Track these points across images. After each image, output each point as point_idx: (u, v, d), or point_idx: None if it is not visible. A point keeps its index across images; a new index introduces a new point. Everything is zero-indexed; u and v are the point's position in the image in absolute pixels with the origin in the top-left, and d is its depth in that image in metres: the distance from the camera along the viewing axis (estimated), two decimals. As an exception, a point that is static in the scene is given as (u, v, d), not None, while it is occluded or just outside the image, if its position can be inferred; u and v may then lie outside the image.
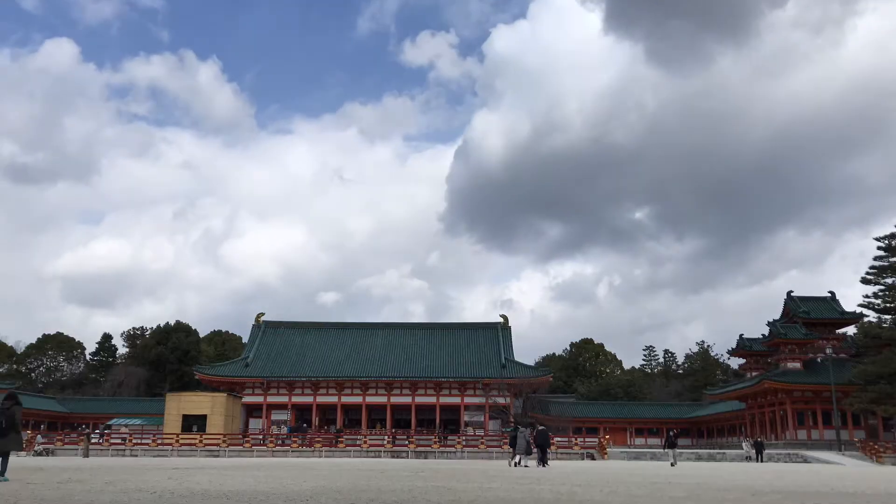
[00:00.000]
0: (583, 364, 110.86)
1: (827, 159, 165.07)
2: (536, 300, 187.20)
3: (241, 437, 60.00)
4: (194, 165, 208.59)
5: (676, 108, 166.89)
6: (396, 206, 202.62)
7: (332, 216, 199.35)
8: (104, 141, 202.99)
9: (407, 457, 51.14)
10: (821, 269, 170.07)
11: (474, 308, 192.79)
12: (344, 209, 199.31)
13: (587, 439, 59.41)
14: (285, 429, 64.28)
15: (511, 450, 34.28)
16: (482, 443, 56.79)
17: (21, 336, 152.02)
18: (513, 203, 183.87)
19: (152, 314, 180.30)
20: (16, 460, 39.44)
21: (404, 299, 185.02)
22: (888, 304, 57.70)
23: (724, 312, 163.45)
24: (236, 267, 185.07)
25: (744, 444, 52.10)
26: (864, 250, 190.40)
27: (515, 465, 30.74)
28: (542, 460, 31.89)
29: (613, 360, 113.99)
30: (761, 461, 46.95)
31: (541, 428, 35.59)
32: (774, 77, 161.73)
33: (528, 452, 32.97)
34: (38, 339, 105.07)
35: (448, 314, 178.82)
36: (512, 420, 68.84)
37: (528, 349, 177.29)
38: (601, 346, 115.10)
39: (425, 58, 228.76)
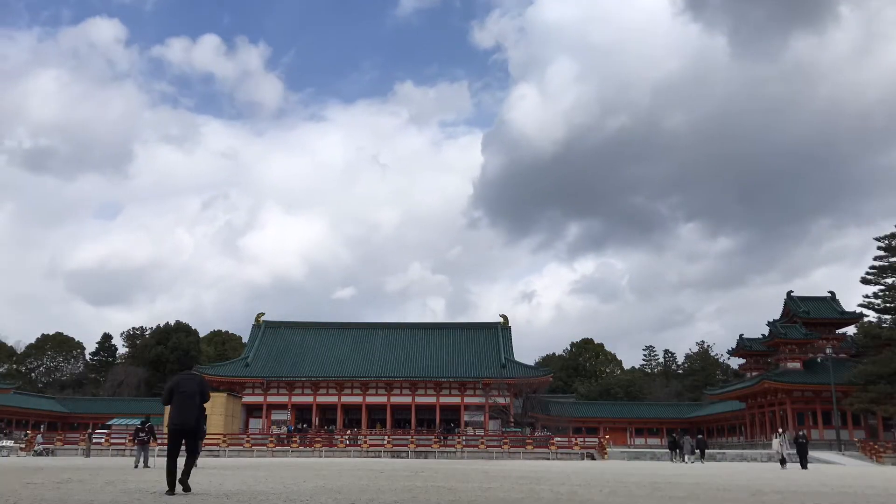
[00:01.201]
0: (583, 364, 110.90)
1: (876, 149, 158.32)
2: (559, 295, 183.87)
3: (241, 436, 59.97)
4: (225, 154, 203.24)
5: (741, 92, 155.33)
6: (424, 196, 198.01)
7: (357, 208, 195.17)
8: (136, 127, 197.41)
9: (407, 457, 51.12)
10: (864, 262, 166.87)
11: (493, 305, 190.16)
12: (371, 200, 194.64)
13: (587, 439, 59.40)
14: (285, 428, 64.25)
15: (671, 452, 46.56)
16: (482, 443, 56.78)
17: (32, 333, 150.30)
18: (539, 193, 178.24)
19: (166, 311, 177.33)
20: (16, 460, 39.45)
21: (424, 293, 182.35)
22: (888, 304, 57.71)
23: (757, 309, 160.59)
24: (255, 262, 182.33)
25: (774, 441, 38.39)
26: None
27: (682, 462, 39.96)
28: (702, 458, 44.16)
29: (613, 360, 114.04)
30: (805, 467, 33.94)
31: (699, 436, 50.23)
32: (857, 56, 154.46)
33: (692, 452, 43.12)
34: (38, 338, 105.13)
35: (468, 310, 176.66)
36: (512, 420, 68.83)
37: (549, 344, 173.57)
38: (601, 346, 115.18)
39: (479, 37, 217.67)
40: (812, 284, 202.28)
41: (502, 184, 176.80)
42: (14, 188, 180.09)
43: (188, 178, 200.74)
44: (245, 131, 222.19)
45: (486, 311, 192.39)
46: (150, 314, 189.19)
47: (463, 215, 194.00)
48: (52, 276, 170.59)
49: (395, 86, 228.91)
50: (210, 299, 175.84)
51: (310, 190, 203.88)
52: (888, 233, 58.39)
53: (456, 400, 72.35)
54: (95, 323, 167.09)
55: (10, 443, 57.74)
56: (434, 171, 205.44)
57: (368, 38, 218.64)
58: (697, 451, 45.33)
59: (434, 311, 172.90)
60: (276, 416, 71.54)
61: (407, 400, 72.33)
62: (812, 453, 49.61)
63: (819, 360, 62.66)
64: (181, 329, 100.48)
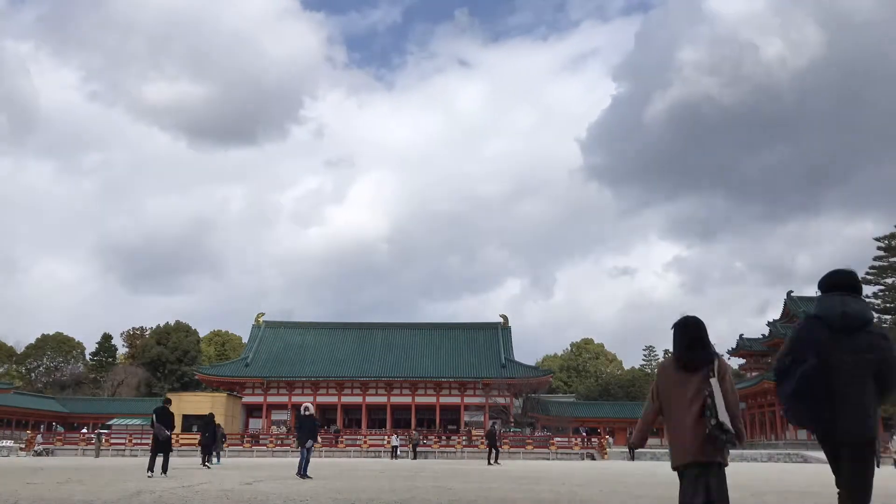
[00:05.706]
0: (583, 364, 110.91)
1: None
2: (655, 279, 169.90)
3: (240, 436, 59.97)
4: (343, 110, 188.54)
5: None
6: (541, 161, 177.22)
7: (465, 176, 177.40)
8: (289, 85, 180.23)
9: (406, 456, 51.09)
10: None
11: (570, 288, 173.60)
12: (482, 167, 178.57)
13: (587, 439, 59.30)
14: (283, 428, 64.22)
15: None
16: (482, 443, 56.69)
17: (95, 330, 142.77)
18: (656, 156, 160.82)
19: (218, 291, 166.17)
20: (16, 460, 39.42)
21: (505, 274, 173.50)
22: (888, 305, 57.73)
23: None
24: (338, 235, 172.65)
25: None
26: None
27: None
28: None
29: (613, 360, 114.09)
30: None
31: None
32: None
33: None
34: (38, 338, 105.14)
35: (547, 294, 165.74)
36: (512, 420, 68.84)
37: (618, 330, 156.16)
38: (601, 346, 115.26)
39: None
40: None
41: (618, 147, 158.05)
42: (117, 143, 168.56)
43: (297, 140, 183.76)
44: (371, 78, 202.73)
45: (563, 295, 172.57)
46: (209, 296, 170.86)
47: (575, 177, 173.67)
48: (105, 253, 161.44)
49: (558, 15, 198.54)
50: (278, 276, 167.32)
51: (418, 155, 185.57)
52: (888, 233, 58.45)
53: (456, 400, 72.33)
54: (158, 303, 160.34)
55: (10, 443, 57.74)
56: (571, 127, 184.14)
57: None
58: None
59: (495, 303, 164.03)
60: (275, 416, 71.51)
61: (407, 400, 72.29)
62: (812, 453, 49.64)
63: (819, 360, 62.62)
64: (181, 329, 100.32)
